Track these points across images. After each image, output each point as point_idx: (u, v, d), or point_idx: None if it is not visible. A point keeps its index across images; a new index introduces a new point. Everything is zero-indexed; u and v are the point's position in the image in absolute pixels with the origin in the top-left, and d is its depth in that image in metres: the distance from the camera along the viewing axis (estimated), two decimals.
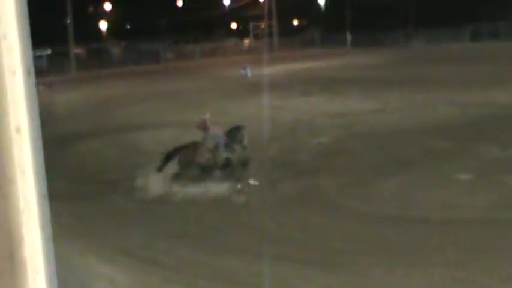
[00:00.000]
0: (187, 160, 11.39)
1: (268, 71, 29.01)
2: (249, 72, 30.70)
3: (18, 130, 1.76)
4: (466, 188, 9.79)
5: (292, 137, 13.73)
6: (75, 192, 10.90)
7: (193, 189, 10.53)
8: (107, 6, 70.73)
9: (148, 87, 29.67)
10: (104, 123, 19.01)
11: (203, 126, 12.33)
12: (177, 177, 10.99)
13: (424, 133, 14.21)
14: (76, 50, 48.49)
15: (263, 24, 59.84)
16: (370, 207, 9.04)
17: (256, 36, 62.50)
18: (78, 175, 12.01)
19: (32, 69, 1.81)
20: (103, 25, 68.09)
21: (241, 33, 69.33)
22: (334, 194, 9.78)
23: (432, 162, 11.43)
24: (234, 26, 77.95)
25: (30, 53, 1.80)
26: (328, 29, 59.89)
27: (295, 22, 73.63)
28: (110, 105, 23.77)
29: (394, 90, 21.92)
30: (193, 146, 11.62)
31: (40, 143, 1.84)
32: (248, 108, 18.76)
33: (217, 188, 10.57)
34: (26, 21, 1.78)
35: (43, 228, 1.84)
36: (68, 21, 46.03)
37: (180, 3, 79.61)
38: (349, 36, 55.20)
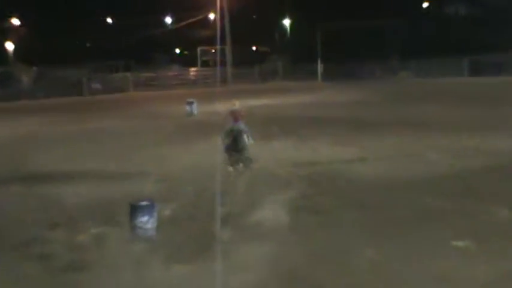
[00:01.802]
0: (230, 149, 16.37)
1: (219, 107, 29.12)
2: (194, 109, 30.96)
3: None
4: (463, 257, 9.91)
5: (250, 192, 13.70)
6: None
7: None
8: (15, 22, 69.82)
9: (71, 126, 29.53)
10: (16, 171, 18.73)
11: (235, 116, 16.54)
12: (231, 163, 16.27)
13: (411, 188, 14.31)
14: None
15: (214, 49, 60.10)
16: (349, 280, 9.07)
17: (206, 64, 62.97)
18: None
19: None
20: (9, 46, 67.28)
21: (186, 59, 69.52)
22: (306, 266, 9.77)
23: (423, 225, 11.53)
24: (177, 50, 77.88)
25: None
26: (294, 58, 60.55)
27: (254, 48, 74.04)
28: (23, 147, 23.53)
29: (374, 135, 22.25)
30: (238, 133, 16.32)
31: None
32: (193, 155, 18.72)
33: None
34: None
35: None
36: None
37: (109, 20, 78.98)
38: (320, 67, 55.93)
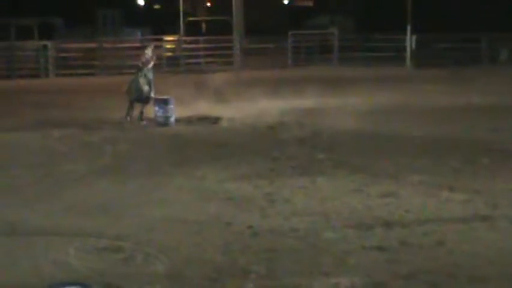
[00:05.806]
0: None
1: (219, 111, 19.64)
2: (170, 113, 19.27)
3: None
4: None
5: None
6: None
7: None
8: None
9: None
10: None
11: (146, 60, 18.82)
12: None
13: None
14: None
15: (209, 2, 41.20)
16: None
17: (194, 29, 40.58)
18: None
19: None
20: None
21: (157, 20, 42.46)
22: None
23: None
24: (140, 1, 49.55)
25: None
26: (361, 22, 38.94)
27: (285, 1, 53.38)
28: None
29: None
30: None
31: None
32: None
33: None
34: None
35: None
36: None
37: None
38: (411, 40, 33.44)
